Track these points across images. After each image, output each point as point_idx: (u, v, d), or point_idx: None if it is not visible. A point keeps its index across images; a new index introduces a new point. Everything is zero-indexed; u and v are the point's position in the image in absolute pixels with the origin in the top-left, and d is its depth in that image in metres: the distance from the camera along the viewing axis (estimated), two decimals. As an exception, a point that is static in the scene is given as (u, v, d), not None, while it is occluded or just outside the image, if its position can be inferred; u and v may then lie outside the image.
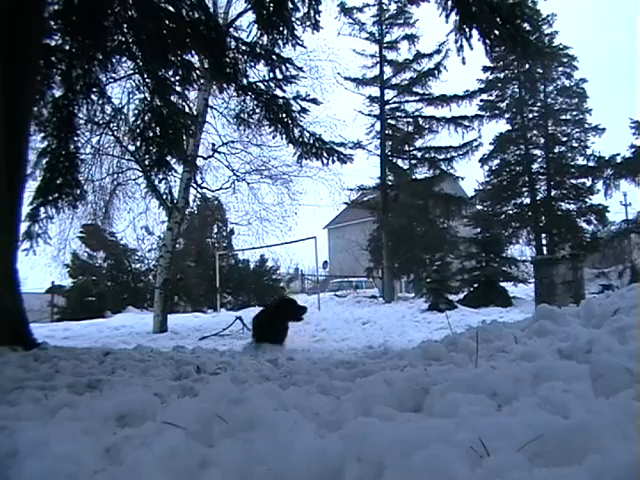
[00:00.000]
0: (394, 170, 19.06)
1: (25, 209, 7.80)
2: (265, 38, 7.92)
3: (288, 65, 9.32)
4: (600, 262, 18.51)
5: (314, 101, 11.44)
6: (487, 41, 6.33)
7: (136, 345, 5.64)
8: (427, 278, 15.58)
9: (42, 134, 7.71)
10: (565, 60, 20.05)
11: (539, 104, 20.90)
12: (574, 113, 20.65)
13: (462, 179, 19.33)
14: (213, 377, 2.83)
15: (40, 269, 14.33)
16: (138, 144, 8.43)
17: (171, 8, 7.03)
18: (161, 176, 9.21)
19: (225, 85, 8.90)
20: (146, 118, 8.03)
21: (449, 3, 6.20)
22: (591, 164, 19.76)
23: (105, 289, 19.88)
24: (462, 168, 19.23)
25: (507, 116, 20.94)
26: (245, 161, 14.30)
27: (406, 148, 19.08)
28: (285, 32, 7.43)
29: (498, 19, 6.19)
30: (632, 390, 1.34)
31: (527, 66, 18.77)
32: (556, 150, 20.69)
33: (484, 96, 20.34)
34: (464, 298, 15.51)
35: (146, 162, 8.87)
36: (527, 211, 20.60)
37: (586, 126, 20.40)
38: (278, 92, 10.00)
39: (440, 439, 1.11)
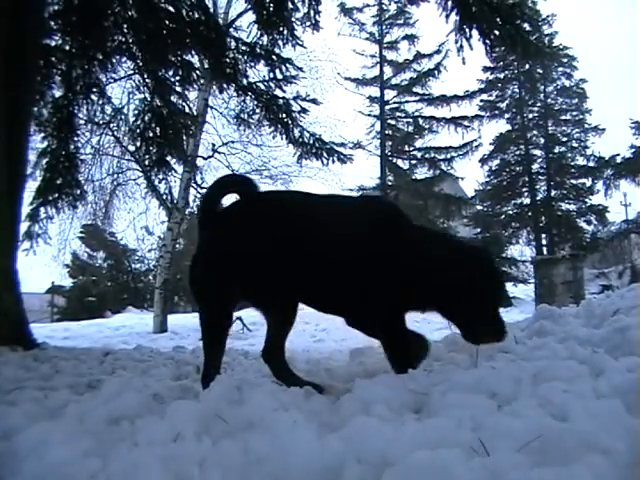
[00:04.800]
0: (394, 170, 19.07)
1: (25, 209, 7.81)
2: (265, 38, 7.94)
3: (288, 65, 9.33)
4: (600, 262, 18.52)
5: (314, 101, 11.46)
6: (487, 41, 6.33)
7: (136, 345, 5.63)
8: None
9: (42, 134, 7.70)
10: (565, 60, 20.06)
11: (539, 104, 20.91)
12: (574, 113, 20.66)
13: (462, 179, 19.37)
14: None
15: (40, 269, 14.30)
16: (138, 144, 8.42)
17: (171, 8, 7.02)
18: (161, 176, 9.21)
19: (225, 85, 8.90)
20: (146, 118, 8.03)
21: (449, 3, 6.20)
22: (591, 164, 19.76)
23: (105, 289, 19.90)
24: (462, 168, 19.25)
25: (507, 116, 20.95)
26: (245, 161, 14.33)
27: (406, 148, 19.09)
28: (285, 32, 7.43)
29: (498, 19, 6.19)
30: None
31: (527, 66, 18.81)
32: (556, 150, 20.70)
33: (484, 96, 20.37)
34: (464, 298, 15.51)
35: (146, 162, 8.86)
36: (527, 211, 20.61)
37: (586, 126, 20.42)
38: (278, 92, 10.02)
39: (440, 439, 1.11)
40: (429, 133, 18.72)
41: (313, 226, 2.06)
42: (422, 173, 19.09)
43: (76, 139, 8.19)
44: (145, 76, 8.11)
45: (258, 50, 8.70)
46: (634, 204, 19.68)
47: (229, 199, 2.32)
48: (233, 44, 8.80)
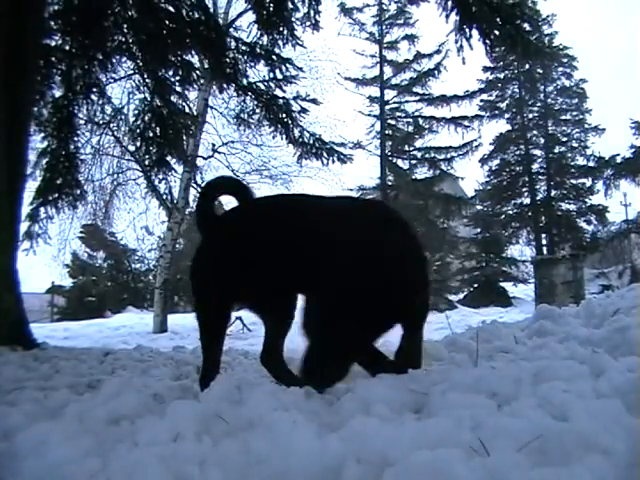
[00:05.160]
0: (394, 170, 19.07)
1: (25, 209, 7.81)
2: (265, 38, 7.94)
3: (288, 65, 9.34)
4: (600, 262, 18.51)
5: (314, 101, 11.47)
6: (487, 41, 6.33)
7: (136, 345, 5.63)
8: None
9: (42, 134, 7.71)
10: (565, 60, 20.07)
11: (539, 104, 20.93)
12: (574, 113, 20.68)
13: (462, 179, 19.38)
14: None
15: (40, 269, 14.31)
16: (138, 144, 8.43)
17: (171, 8, 7.02)
18: (161, 176, 9.21)
19: (225, 85, 8.91)
20: (146, 118, 8.03)
21: (449, 3, 6.20)
22: (591, 164, 19.78)
23: (105, 289, 19.90)
24: (462, 168, 19.26)
25: (507, 116, 20.97)
26: (245, 161, 14.32)
27: (406, 148, 19.09)
28: (285, 32, 7.43)
29: (498, 19, 6.19)
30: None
31: (527, 66, 18.83)
32: (556, 150, 20.72)
33: (484, 96, 20.39)
34: (464, 298, 15.54)
35: (146, 162, 8.87)
36: (527, 211, 20.62)
37: (586, 126, 20.43)
38: (278, 92, 10.03)
39: (440, 439, 1.11)
40: (429, 133, 18.71)
41: (304, 230, 1.97)
42: (422, 173, 19.09)
43: (76, 139, 8.20)
44: (145, 76, 8.11)
45: (258, 50, 8.71)
46: (634, 204, 19.66)
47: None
48: (233, 44, 8.81)
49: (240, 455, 1.15)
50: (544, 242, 20.32)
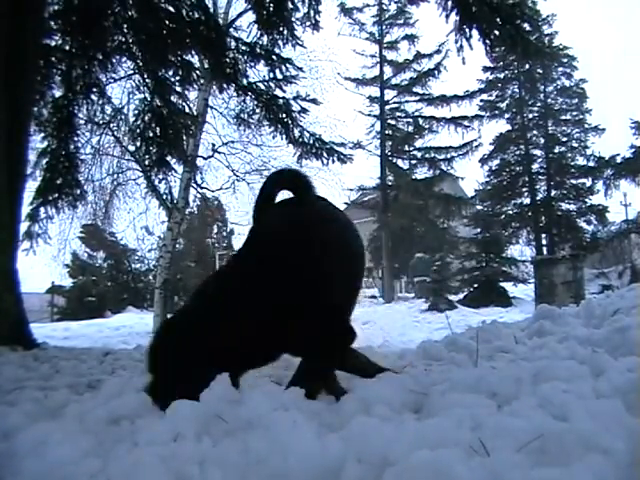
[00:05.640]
0: (394, 170, 19.09)
1: (25, 209, 7.81)
2: (265, 38, 7.97)
3: (288, 65, 9.35)
4: (600, 262, 18.49)
5: (314, 101, 11.48)
6: (487, 41, 6.34)
7: (136, 345, 5.63)
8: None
9: (42, 134, 7.72)
10: (565, 60, 20.08)
11: (539, 104, 20.93)
12: (574, 113, 20.68)
13: (462, 179, 19.39)
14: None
15: (40, 269, 14.30)
16: (138, 144, 8.44)
17: (171, 8, 7.03)
18: (161, 176, 9.23)
19: (225, 85, 8.92)
20: (146, 118, 8.04)
21: (449, 3, 6.21)
22: (591, 164, 19.77)
23: (105, 289, 19.90)
24: (462, 168, 19.28)
25: (507, 116, 20.97)
26: (245, 161, 14.31)
27: (406, 148, 19.11)
28: (285, 32, 7.45)
29: (498, 19, 6.20)
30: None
31: (527, 66, 18.83)
32: (556, 150, 20.71)
33: (484, 96, 20.40)
34: (464, 298, 15.52)
35: (146, 162, 8.88)
36: (527, 211, 20.62)
37: (586, 126, 20.43)
38: (278, 92, 10.05)
39: (440, 439, 1.11)
40: (429, 133, 18.76)
41: None
42: (422, 173, 19.14)
43: (76, 139, 8.21)
44: (145, 76, 8.12)
45: (258, 50, 8.72)
46: (634, 204, 19.64)
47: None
48: (233, 44, 8.82)
49: (240, 455, 1.15)
50: (544, 242, 20.32)
